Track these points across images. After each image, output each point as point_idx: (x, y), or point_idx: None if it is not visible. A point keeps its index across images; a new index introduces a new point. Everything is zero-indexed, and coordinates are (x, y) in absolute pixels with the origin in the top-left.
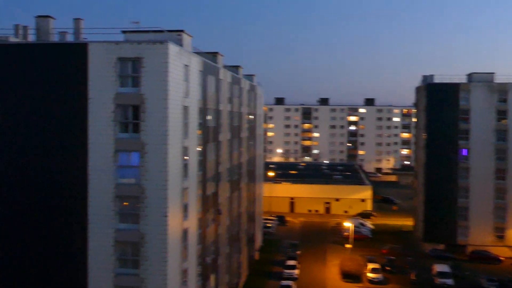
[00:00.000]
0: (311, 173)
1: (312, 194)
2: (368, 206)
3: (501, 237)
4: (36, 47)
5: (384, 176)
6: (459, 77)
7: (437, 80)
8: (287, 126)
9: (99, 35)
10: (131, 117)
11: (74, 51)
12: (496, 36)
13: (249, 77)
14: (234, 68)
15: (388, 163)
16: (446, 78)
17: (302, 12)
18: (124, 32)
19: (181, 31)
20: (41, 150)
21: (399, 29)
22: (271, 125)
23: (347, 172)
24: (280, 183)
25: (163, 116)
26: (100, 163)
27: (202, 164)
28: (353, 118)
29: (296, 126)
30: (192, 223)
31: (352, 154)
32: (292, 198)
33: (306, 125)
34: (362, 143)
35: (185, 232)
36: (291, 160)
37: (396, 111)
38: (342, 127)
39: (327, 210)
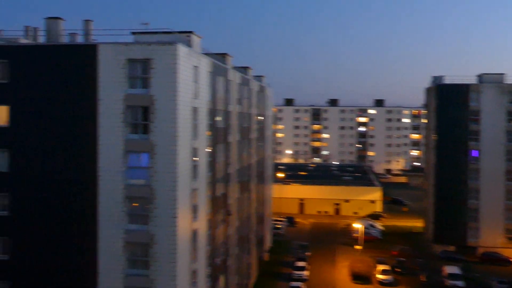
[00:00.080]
0: (321, 174)
1: (321, 195)
2: (378, 207)
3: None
4: (46, 49)
5: (394, 177)
6: (469, 78)
7: (447, 81)
8: (297, 127)
9: (108, 36)
10: (140, 118)
11: (84, 53)
12: (506, 37)
13: (259, 78)
14: (243, 69)
15: (398, 164)
16: (456, 79)
17: (311, 13)
18: (133, 33)
19: (190, 32)
20: (52, 151)
21: (409, 30)
22: (280, 126)
23: (356, 173)
24: (290, 184)
25: (173, 117)
26: (110, 164)
27: (212, 165)
28: (362, 119)
29: (305, 127)
30: (201, 224)
31: (361, 155)
32: (301, 199)
33: (316, 126)
34: (372, 144)
35: (194, 233)
36: (301, 161)
37: (406, 112)
38: (351, 128)
39: (337, 211)
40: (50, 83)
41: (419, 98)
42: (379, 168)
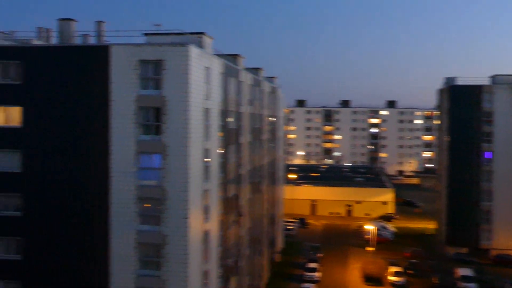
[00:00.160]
0: (333, 176)
1: (333, 197)
2: (390, 209)
3: None
4: (59, 50)
5: (406, 178)
6: (482, 79)
7: (459, 82)
8: (308, 128)
9: (120, 37)
10: (152, 119)
11: (96, 54)
12: None
13: (270, 79)
14: (255, 70)
15: (410, 166)
16: (469, 80)
17: (323, 13)
18: (145, 34)
19: (202, 33)
20: (64, 152)
21: (421, 30)
22: (292, 127)
23: (368, 174)
24: (301, 185)
25: (185, 118)
26: (122, 165)
27: (223, 166)
28: (374, 121)
29: (317, 129)
30: (213, 225)
31: (373, 157)
32: (313, 201)
33: (328, 128)
34: (384, 146)
35: (206, 234)
36: (312, 162)
37: (418, 113)
38: (363, 129)
39: (349, 212)
40: (63, 84)
41: (432, 100)
42: (391, 169)
